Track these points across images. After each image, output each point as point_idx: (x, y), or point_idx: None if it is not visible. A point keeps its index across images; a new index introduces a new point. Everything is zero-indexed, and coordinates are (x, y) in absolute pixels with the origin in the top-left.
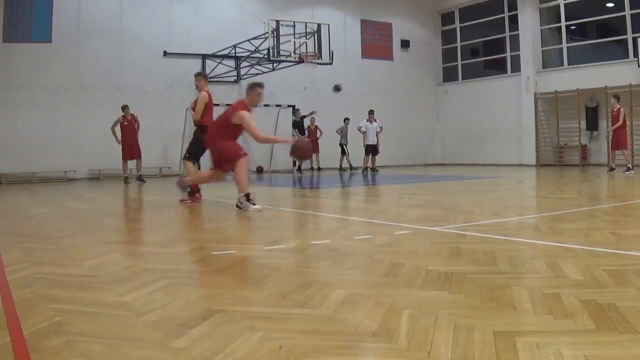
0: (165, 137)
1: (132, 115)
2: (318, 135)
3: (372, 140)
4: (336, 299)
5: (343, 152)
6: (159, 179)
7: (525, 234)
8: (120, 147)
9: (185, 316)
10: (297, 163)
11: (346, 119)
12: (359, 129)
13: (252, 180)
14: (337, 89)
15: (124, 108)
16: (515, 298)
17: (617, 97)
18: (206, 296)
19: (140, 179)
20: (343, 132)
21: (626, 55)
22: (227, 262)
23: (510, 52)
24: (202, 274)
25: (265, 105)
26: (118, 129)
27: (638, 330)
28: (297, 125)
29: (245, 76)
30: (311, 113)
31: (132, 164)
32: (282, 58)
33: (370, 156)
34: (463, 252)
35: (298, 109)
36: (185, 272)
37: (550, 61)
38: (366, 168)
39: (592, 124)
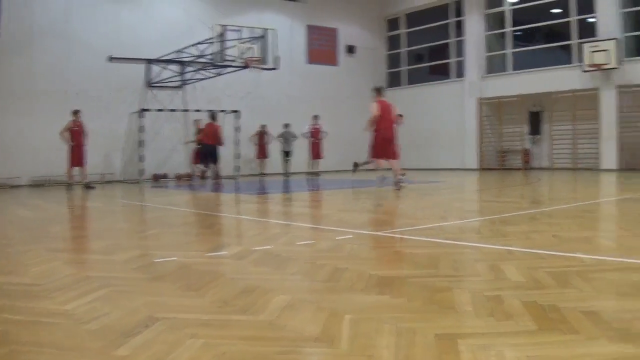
0: (109, 142)
1: (80, 121)
2: (266, 140)
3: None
4: (278, 305)
5: (284, 158)
6: (101, 185)
7: (467, 237)
8: (68, 152)
9: (127, 324)
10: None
11: (287, 124)
12: (304, 134)
13: (194, 186)
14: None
15: (75, 112)
16: (457, 301)
17: None
18: (148, 304)
19: (89, 185)
20: (284, 138)
21: (571, 61)
22: (168, 269)
23: (455, 57)
24: (144, 281)
25: (209, 111)
26: (68, 133)
27: (579, 331)
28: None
29: (190, 81)
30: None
31: (76, 170)
32: (227, 63)
33: (314, 161)
34: (405, 256)
35: (199, 120)
36: (127, 280)
37: (494, 66)
38: (309, 173)
39: (535, 129)
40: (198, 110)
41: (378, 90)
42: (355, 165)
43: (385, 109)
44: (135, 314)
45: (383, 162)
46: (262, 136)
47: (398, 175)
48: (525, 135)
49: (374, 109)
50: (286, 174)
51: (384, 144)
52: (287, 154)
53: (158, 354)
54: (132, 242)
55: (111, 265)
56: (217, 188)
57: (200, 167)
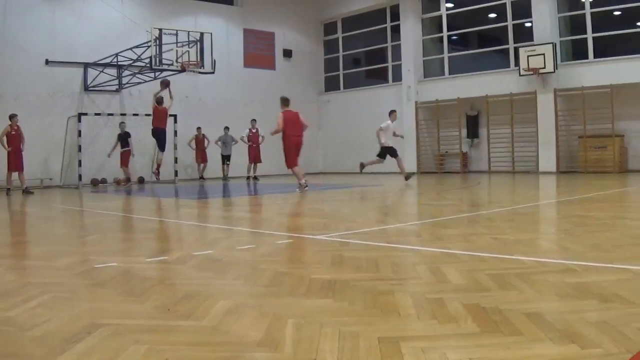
0: (47, 147)
1: (17, 125)
2: (206, 145)
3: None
4: (220, 310)
5: (224, 162)
6: (40, 190)
7: (407, 240)
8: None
9: (69, 330)
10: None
11: (226, 128)
12: (242, 138)
13: (133, 190)
14: (164, 84)
15: (12, 117)
16: (399, 304)
17: None
18: (90, 310)
19: (28, 191)
20: (223, 142)
21: (507, 65)
22: (109, 274)
23: (392, 61)
24: (86, 287)
25: (147, 115)
26: (5, 138)
27: (522, 332)
28: (122, 138)
29: (126, 85)
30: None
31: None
32: (164, 67)
33: (252, 165)
34: (346, 260)
35: (123, 122)
36: (68, 286)
37: (431, 71)
38: (248, 177)
39: (473, 132)
40: (136, 115)
41: (284, 101)
42: (362, 165)
43: (290, 119)
44: (78, 320)
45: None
46: (200, 140)
47: (301, 180)
48: (463, 138)
49: (279, 120)
50: (225, 178)
51: (295, 150)
52: (226, 158)
53: None
54: (72, 248)
55: (52, 271)
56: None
57: (128, 171)
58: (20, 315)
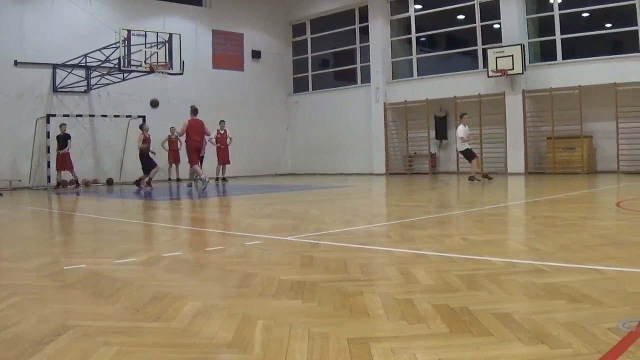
0: (16, 148)
1: None
2: (179, 146)
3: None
4: (190, 311)
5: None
6: (9, 191)
7: (376, 241)
8: None
9: (39, 332)
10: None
11: None
12: (211, 140)
13: (101, 192)
14: (154, 104)
15: None
16: (368, 305)
17: None
18: (59, 311)
19: None
20: None
21: (476, 66)
22: (78, 276)
23: (361, 63)
24: (54, 289)
25: (116, 116)
26: None
27: (491, 333)
28: (61, 140)
29: (95, 86)
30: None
31: None
32: (133, 68)
33: (221, 166)
34: (315, 261)
35: (64, 124)
36: (37, 288)
37: (400, 72)
38: (217, 178)
39: (442, 133)
40: (104, 116)
41: (193, 111)
42: (472, 178)
43: (193, 126)
44: (47, 322)
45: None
46: (173, 141)
47: (199, 177)
48: (431, 139)
49: (183, 126)
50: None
51: (195, 152)
52: (200, 159)
53: None
54: (41, 250)
55: (21, 273)
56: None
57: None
58: None
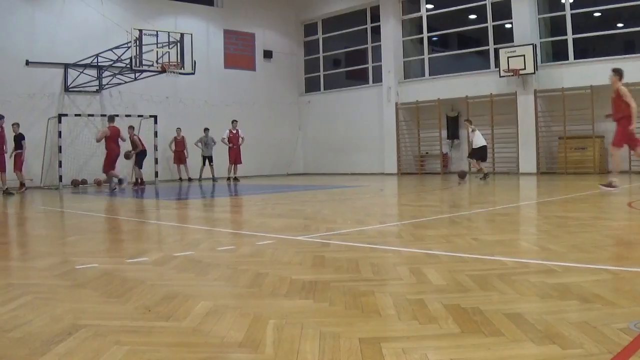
0: (28, 148)
1: (2, 127)
2: (185, 147)
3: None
4: (201, 311)
5: (205, 163)
6: (20, 191)
7: (388, 241)
8: None
9: (50, 332)
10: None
11: (206, 129)
12: (223, 140)
13: (102, 192)
14: (462, 176)
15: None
16: (380, 304)
17: None
18: (71, 311)
19: (8, 192)
20: (203, 143)
21: (487, 66)
22: (90, 275)
23: (372, 62)
24: (66, 288)
25: (127, 116)
26: None
27: (503, 333)
28: (16, 140)
29: (107, 86)
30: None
31: None
32: (145, 68)
33: (233, 166)
34: (326, 261)
35: (17, 123)
36: (48, 287)
37: (411, 72)
38: (229, 178)
39: (453, 133)
40: (116, 115)
41: (110, 119)
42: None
43: (114, 133)
44: (59, 321)
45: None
46: (179, 142)
47: (119, 177)
48: (443, 139)
49: (101, 133)
50: (200, 180)
51: (114, 158)
52: (208, 159)
53: None
54: (53, 249)
55: (33, 272)
56: (137, 193)
57: (22, 175)
58: (1, 317)
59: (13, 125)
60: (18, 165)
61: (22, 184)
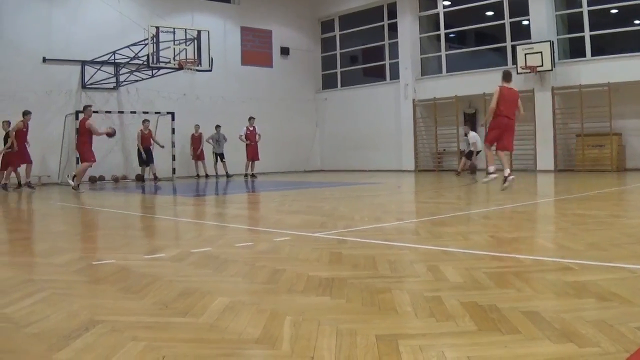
0: (45, 144)
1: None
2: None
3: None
4: (218, 307)
5: (217, 160)
6: (39, 187)
7: (405, 238)
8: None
9: (67, 327)
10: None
11: (217, 126)
12: (240, 137)
13: (130, 188)
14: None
15: (26, 113)
16: (397, 302)
17: None
18: (88, 306)
19: (30, 185)
20: (215, 140)
21: (505, 63)
22: (107, 271)
23: (389, 59)
24: (83, 284)
25: (145, 113)
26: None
27: (520, 331)
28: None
29: (124, 83)
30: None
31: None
32: (162, 64)
33: (250, 162)
34: (344, 258)
35: (7, 121)
36: (66, 283)
37: (429, 68)
38: (246, 174)
39: (471, 130)
40: (133, 112)
41: (24, 114)
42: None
43: (24, 132)
44: (76, 316)
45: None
46: (196, 138)
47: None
48: (460, 136)
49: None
50: (216, 176)
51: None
52: (220, 156)
53: (99, 357)
54: (71, 245)
55: (50, 268)
56: (154, 190)
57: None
58: (18, 312)
59: (3, 122)
60: (11, 162)
61: (19, 183)
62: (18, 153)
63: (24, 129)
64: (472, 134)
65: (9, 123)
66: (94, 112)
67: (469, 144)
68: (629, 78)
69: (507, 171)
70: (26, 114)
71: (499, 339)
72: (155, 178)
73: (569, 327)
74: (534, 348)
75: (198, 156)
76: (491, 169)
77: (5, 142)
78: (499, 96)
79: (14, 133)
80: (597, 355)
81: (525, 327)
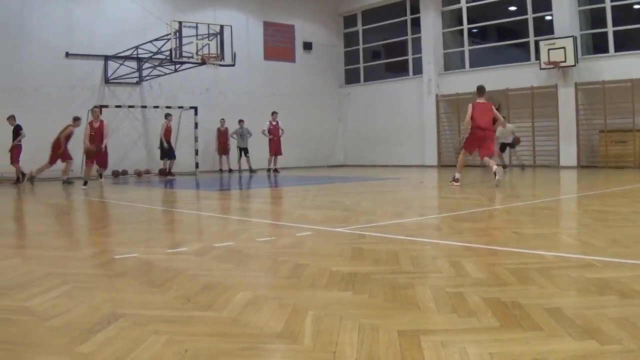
0: (64, 140)
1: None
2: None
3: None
4: (240, 301)
5: (241, 155)
6: (60, 181)
7: (427, 234)
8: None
9: (89, 321)
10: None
11: (240, 121)
12: (263, 131)
13: (153, 182)
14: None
15: (76, 119)
16: (419, 297)
17: None
18: (110, 300)
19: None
20: (239, 135)
21: (528, 58)
22: (130, 265)
23: (412, 54)
24: (106, 277)
25: (168, 107)
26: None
27: (542, 327)
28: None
29: (147, 77)
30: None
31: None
32: (184, 59)
33: (273, 157)
34: (366, 253)
35: (12, 115)
36: (88, 276)
37: (452, 64)
38: (269, 169)
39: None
40: (156, 107)
41: (75, 119)
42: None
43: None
44: (98, 310)
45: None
46: (223, 133)
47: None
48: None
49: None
50: (239, 171)
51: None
52: (244, 150)
53: (121, 350)
54: (93, 239)
55: (73, 261)
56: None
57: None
58: (41, 306)
59: (9, 117)
60: (15, 157)
61: (18, 178)
62: (63, 152)
63: (72, 133)
64: (509, 125)
65: (14, 117)
66: (117, 106)
67: (512, 132)
68: None
69: (495, 167)
70: (76, 119)
71: (521, 336)
72: (169, 173)
73: (591, 324)
74: (556, 345)
75: (223, 150)
76: (457, 175)
77: (14, 137)
78: (472, 112)
79: (63, 138)
80: (618, 352)
81: (547, 323)
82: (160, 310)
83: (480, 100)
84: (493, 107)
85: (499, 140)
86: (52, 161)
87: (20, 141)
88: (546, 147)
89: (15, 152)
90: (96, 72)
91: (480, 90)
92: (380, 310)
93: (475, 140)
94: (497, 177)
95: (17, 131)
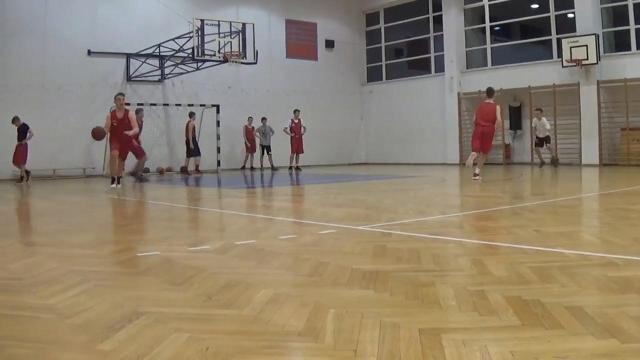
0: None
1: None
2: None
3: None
4: (262, 299)
5: (263, 152)
6: (84, 179)
7: (449, 232)
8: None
9: (111, 318)
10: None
11: (263, 119)
12: (285, 129)
13: (175, 180)
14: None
15: (138, 111)
16: (440, 295)
17: None
18: (131, 298)
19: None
20: (261, 133)
21: (550, 56)
22: (151, 263)
23: (434, 52)
24: (127, 275)
25: (190, 105)
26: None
27: (563, 326)
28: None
29: (169, 75)
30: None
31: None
32: (207, 57)
33: (295, 155)
34: (387, 251)
35: (17, 117)
36: (110, 274)
37: (474, 61)
38: (291, 167)
39: (516, 124)
40: (178, 105)
41: (137, 111)
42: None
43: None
44: (119, 308)
45: None
46: (250, 131)
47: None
48: (506, 130)
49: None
50: (261, 169)
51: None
52: (267, 148)
53: (142, 348)
54: (115, 236)
55: (94, 259)
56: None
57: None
58: (62, 303)
59: (13, 118)
60: (21, 157)
61: (21, 177)
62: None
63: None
64: (544, 118)
65: (18, 118)
66: (139, 104)
67: (546, 129)
68: None
69: (477, 170)
70: (138, 111)
71: (542, 334)
72: (196, 170)
73: (612, 322)
74: (577, 343)
75: (253, 148)
76: (477, 170)
77: (19, 137)
78: (477, 110)
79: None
80: (639, 351)
81: (569, 322)
82: (182, 308)
83: (488, 100)
84: (497, 109)
85: (536, 134)
86: (140, 153)
87: (27, 140)
88: (568, 145)
89: (20, 151)
90: (118, 70)
91: (489, 92)
92: (401, 308)
93: (477, 136)
94: (475, 178)
95: (24, 131)
